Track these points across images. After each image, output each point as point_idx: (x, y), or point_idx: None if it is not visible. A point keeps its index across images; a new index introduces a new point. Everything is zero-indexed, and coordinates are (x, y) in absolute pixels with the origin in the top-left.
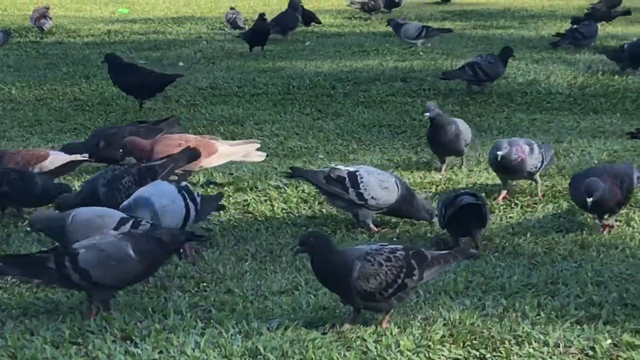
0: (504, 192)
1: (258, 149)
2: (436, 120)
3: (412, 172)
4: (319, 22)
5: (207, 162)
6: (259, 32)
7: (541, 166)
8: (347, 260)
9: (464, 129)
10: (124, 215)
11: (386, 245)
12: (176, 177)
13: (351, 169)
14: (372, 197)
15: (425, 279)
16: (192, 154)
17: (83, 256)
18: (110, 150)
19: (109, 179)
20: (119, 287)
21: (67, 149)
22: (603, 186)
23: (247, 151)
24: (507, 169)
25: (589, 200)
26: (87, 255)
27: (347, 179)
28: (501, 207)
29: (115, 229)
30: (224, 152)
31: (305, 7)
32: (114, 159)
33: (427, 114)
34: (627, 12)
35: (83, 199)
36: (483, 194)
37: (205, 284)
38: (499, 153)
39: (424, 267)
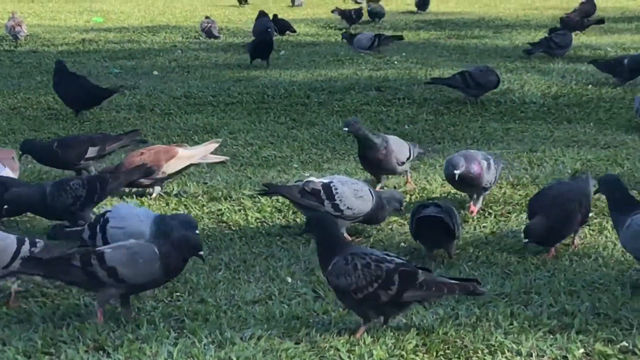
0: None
1: (218, 150)
2: (360, 137)
3: (385, 181)
4: (294, 31)
5: (167, 166)
6: (265, 43)
7: (494, 181)
8: (332, 253)
9: (397, 147)
10: (20, 236)
11: (390, 255)
12: (150, 190)
13: (325, 180)
14: (347, 208)
15: (408, 299)
16: (146, 171)
17: (110, 254)
18: (66, 153)
19: (58, 180)
20: (142, 287)
21: (26, 149)
22: (544, 226)
23: (207, 150)
24: (463, 185)
25: (528, 241)
26: (114, 253)
27: (322, 191)
28: (474, 217)
29: (17, 250)
30: (183, 154)
31: (280, 16)
32: (71, 162)
33: (346, 129)
34: (600, 21)
35: (34, 192)
36: (456, 204)
37: (178, 294)
38: (456, 172)
39: (407, 286)
